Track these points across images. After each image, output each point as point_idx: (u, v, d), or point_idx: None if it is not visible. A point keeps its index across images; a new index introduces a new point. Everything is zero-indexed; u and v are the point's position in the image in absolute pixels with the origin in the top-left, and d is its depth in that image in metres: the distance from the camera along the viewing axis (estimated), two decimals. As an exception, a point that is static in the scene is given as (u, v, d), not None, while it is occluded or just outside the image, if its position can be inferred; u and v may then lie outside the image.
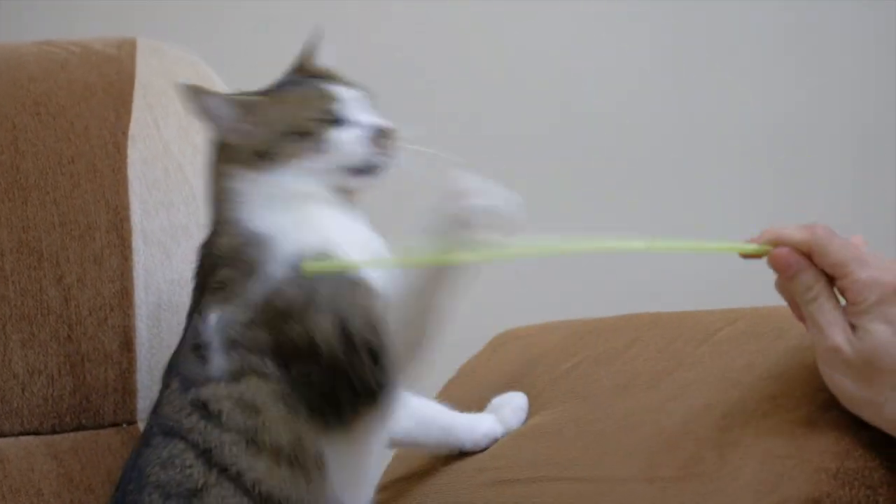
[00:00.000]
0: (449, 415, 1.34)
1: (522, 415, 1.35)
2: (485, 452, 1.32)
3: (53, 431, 1.44)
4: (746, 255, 1.08)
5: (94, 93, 1.52)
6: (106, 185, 1.48)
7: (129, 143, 1.51)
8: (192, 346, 1.21)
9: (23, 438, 1.43)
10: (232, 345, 1.18)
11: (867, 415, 1.05)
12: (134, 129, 1.51)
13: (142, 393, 1.47)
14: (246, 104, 1.24)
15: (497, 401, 1.36)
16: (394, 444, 1.37)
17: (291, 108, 1.24)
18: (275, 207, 1.22)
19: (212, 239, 1.25)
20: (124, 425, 1.46)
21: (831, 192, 2.19)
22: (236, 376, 1.17)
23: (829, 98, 2.19)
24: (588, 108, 2.19)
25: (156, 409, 1.23)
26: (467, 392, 1.43)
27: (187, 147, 1.54)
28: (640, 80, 2.20)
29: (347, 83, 1.28)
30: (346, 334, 1.15)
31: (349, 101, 1.25)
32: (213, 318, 1.20)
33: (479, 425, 1.34)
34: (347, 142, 1.23)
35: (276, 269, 1.18)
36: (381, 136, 1.24)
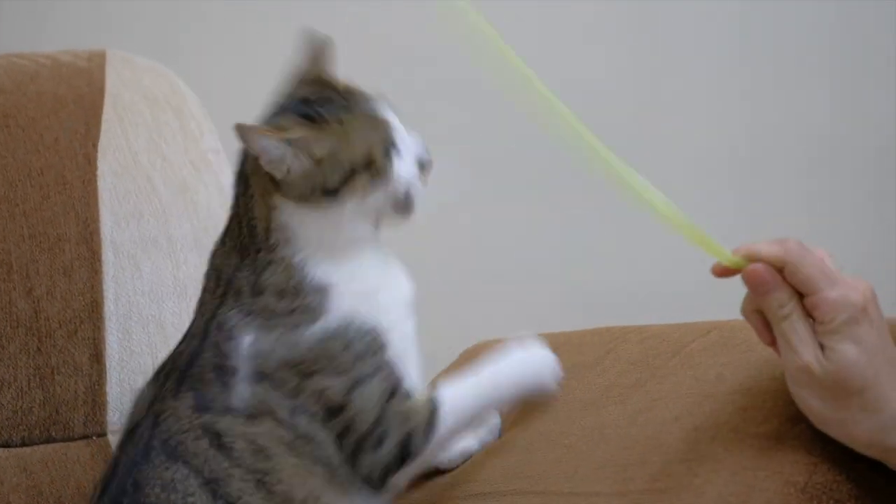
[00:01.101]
0: None
1: (496, 430, 1.35)
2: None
3: (23, 444, 1.44)
4: (720, 272, 1.07)
5: (63, 105, 1.51)
6: (76, 197, 1.48)
7: (99, 155, 1.51)
8: (215, 365, 1.17)
9: (-8, 451, 1.42)
10: (260, 378, 1.16)
11: (837, 434, 1.05)
12: (104, 141, 1.51)
13: (112, 405, 1.46)
14: (302, 143, 1.17)
15: (469, 414, 1.37)
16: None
17: (355, 139, 1.18)
18: (333, 254, 1.19)
19: (253, 266, 1.19)
20: (94, 438, 1.46)
21: (791, 204, 2.20)
22: (254, 415, 1.15)
23: (788, 111, 2.21)
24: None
25: (156, 417, 1.18)
26: (439, 404, 1.43)
27: (157, 159, 1.54)
28: (606, 89, 2.21)
29: (390, 104, 1.23)
30: (378, 430, 1.17)
31: (398, 126, 1.21)
32: (248, 341, 1.17)
33: (454, 444, 1.33)
34: (405, 171, 1.20)
35: (330, 321, 1.17)
36: (425, 163, 1.22)
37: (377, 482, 1.18)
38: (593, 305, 1.99)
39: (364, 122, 1.20)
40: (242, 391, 1.16)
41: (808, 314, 1.04)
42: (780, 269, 1.04)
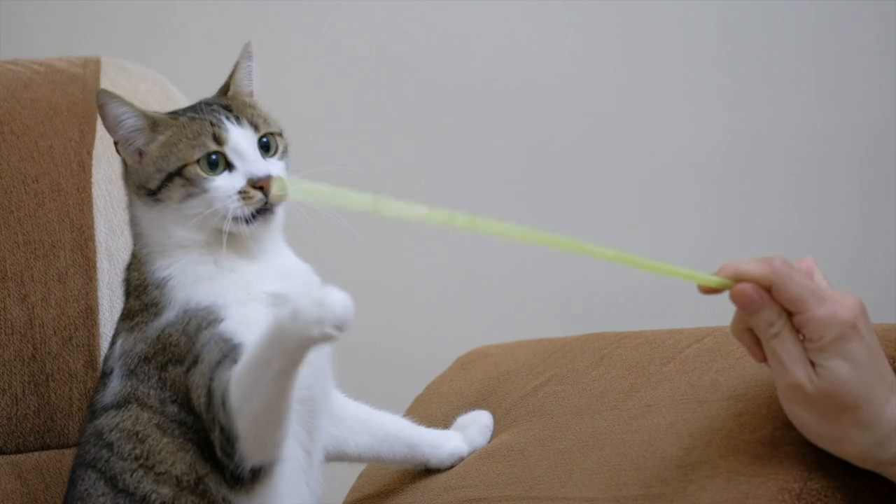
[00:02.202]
0: (414, 431, 1.34)
1: (488, 433, 1.35)
2: (452, 471, 1.32)
3: (17, 451, 1.44)
4: (707, 290, 1.06)
5: (58, 112, 1.52)
6: (70, 204, 1.48)
7: (94, 162, 1.51)
8: (102, 373, 1.23)
9: (-13, 458, 1.43)
10: (129, 375, 1.19)
11: (831, 448, 1.05)
12: (98, 148, 1.51)
13: (107, 412, 1.46)
14: (152, 120, 1.20)
15: (463, 419, 1.36)
16: (359, 459, 1.37)
17: (179, 144, 1.20)
18: (170, 252, 1.21)
19: (131, 266, 1.25)
20: (89, 445, 1.46)
21: (779, 206, 2.20)
22: (120, 404, 1.19)
23: (777, 114, 2.21)
24: (548, 125, 2.20)
25: (78, 442, 1.25)
26: (434, 410, 1.43)
27: (152, 165, 1.54)
28: (596, 90, 2.21)
29: (243, 118, 1.22)
30: (208, 404, 1.15)
31: (238, 142, 1.20)
32: (119, 342, 1.21)
33: (444, 443, 1.33)
34: (223, 193, 1.19)
35: (170, 312, 1.19)
36: (254, 187, 1.19)
37: (244, 474, 1.15)
38: (589, 311, 2.00)
39: (196, 132, 1.20)
40: (114, 387, 1.20)
41: (799, 331, 1.04)
42: (767, 287, 1.03)
